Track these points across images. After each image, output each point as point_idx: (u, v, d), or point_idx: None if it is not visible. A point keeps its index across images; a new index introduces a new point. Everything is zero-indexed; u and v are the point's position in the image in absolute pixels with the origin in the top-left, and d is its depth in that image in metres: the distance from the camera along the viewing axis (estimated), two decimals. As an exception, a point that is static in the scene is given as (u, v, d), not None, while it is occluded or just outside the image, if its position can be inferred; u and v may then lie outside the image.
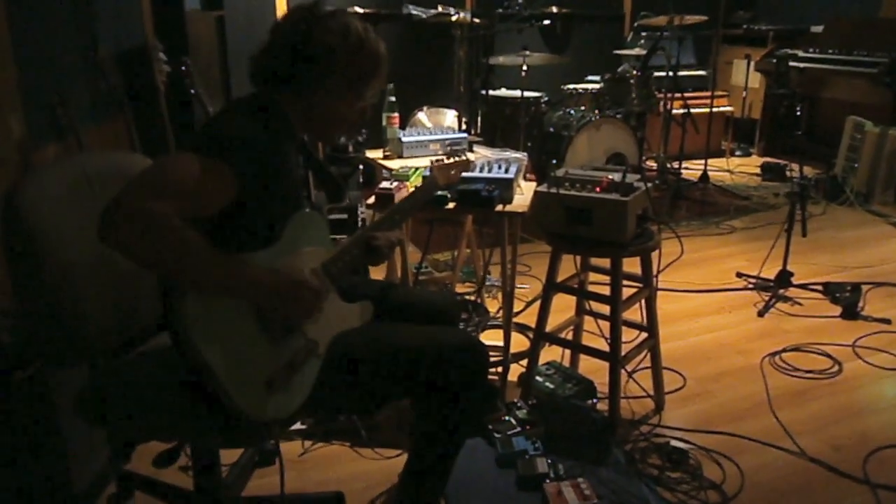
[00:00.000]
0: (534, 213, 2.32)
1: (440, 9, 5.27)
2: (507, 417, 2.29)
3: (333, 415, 2.30)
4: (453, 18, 4.69)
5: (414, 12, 5.37)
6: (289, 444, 2.31)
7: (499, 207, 2.35)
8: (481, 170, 2.43)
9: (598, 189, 2.21)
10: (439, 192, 2.34)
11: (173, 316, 1.38)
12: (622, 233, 2.16)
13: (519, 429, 2.24)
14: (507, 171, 2.42)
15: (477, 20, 4.80)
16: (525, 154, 2.61)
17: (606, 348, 2.34)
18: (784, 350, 2.95)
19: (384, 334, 1.65)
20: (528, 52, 4.52)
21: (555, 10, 5.64)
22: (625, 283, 2.34)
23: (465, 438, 1.71)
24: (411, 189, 2.43)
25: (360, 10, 5.17)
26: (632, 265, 2.40)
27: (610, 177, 2.24)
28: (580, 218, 2.20)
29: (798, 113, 4.89)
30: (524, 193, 2.50)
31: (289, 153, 1.58)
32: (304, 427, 2.35)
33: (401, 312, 1.81)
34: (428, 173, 2.15)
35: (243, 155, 1.41)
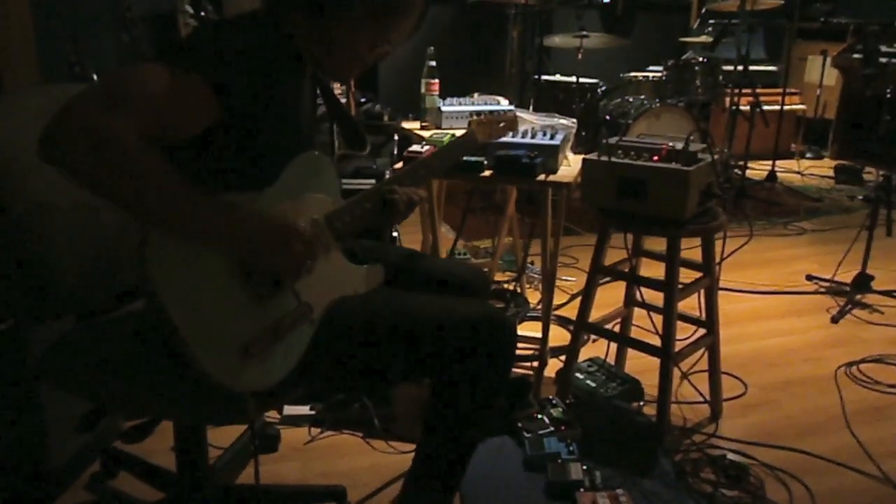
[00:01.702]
0: (582, 187, 2.05)
1: (495, -10, 5.03)
2: (539, 415, 2.03)
3: (329, 393, 2.06)
4: (508, -4, 4.45)
5: (467, -7, 5.15)
6: (295, 431, 2.09)
7: (541, 177, 2.08)
8: (524, 136, 2.16)
9: (655, 158, 1.92)
10: (474, 158, 2.09)
11: (137, 259, 1.15)
12: (681, 209, 1.87)
13: (552, 429, 1.98)
14: (552, 137, 2.15)
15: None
16: (575, 121, 2.33)
17: (658, 343, 2.05)
18: (863, 361, 2.60)
19: (392, 301, 1.40)
20: (586, 33, 4.22)
21: (615, -3, 5.36)
22: (682, 272, 2.05)
23: (484, 431, 1.47)
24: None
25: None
26: (691, 254, 2.11)
27: (670, 145, 1.95)
28: (634, 190, 1.91)
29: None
30: (571, 166, 2.23)
31: (293, 79, 1.34)
32: (312, 413, 2.12)
33: (418, 282, 1.56)
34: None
35: (228, 69, 1.18)
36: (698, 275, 2.14)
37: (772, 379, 2.50)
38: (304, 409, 2.14)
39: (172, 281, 1.13)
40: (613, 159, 1.93)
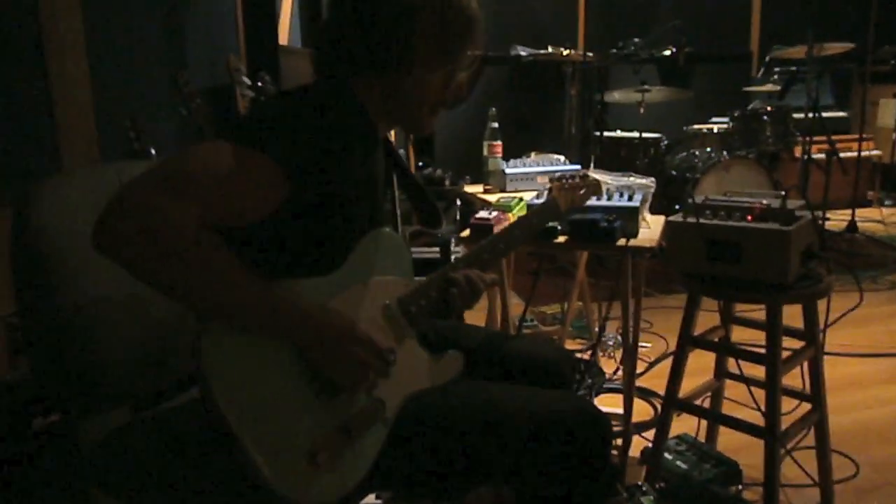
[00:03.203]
0: (667, 251, 1.88)
1: (550, 49, 4.98)
2: (630, 505, 1.83)
3: (406, 497, 1.90)
4: (565, 54, 4.37)
5: (522, 53, 5.11)
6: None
7: (621, 242, 1.93)
8: (598, 198, 2.02)
9: (749, 217, 1.75)
10: (549, 223, 1.95)
11: (194, 354, 1.04)
12: (783, 272, 1.69)
13: (646, 521, 1.77)
14: (630, 199, 2.00)
15: (590, 54, 4.45)
16: (653, 180, 2.18)
17: (754, 420, 1.84)
18: None
19: (475, 396, 1.24)
20: (647, 87, 4.10)
21: (674, 50, 5.22)
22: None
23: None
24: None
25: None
26: (787, 318, 1.91)
27: (765, 202, 1.78)
28: (726, 253, 1.74)
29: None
30: (651, 227, 2.07)
31: (366, 150, 1.22)
32: (378, 502, 1.96)
33: (500, 368, 1.41)
34: (544, 196, 1.70)
35: (297, 146, 1.07)
36: (795, 341, 1.93)
37: (886, 457, 2.24)
38: (370, 499, 1.98)
39: (229, 378, 1.01)
40: (703, 220, 1.76)
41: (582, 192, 1.61)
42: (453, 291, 1.26)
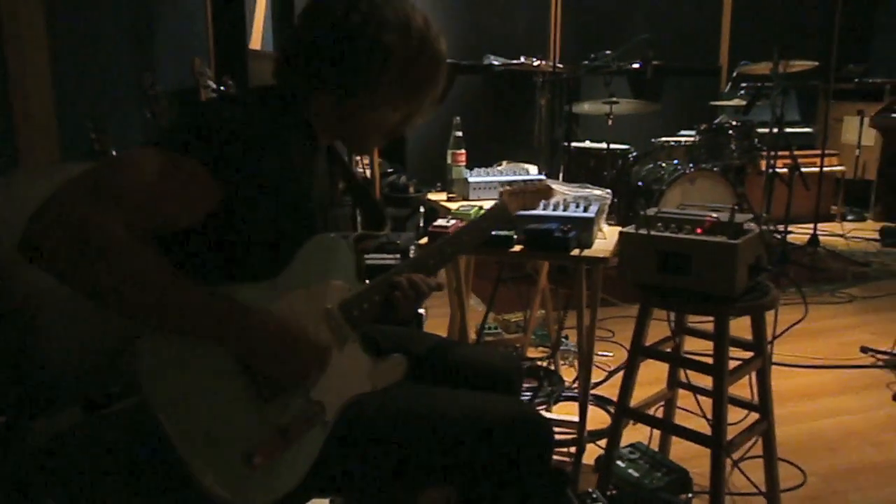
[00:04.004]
0: (619, 261, 1.91)
1: (523, 59, 5.03)
2: (579, 512, 1.85)
3: (347, 496, 1.91)
4: (535, 64, 4.41)
5: (495, 63, 5.15)
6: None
7: (575, 252, 1.96)
8: (555, 208, 2.05)
9: (699, 230, 1.79)
10: (504, 232, 1.98)
11: (128, 359, 1.05)
12: (730, 285, 1.73)
13: (594, 528, 1.80)
14: (586, 209, 2.04)
15: (560, 65, 4.50)
16: (609, 191, 2.21)
17: (705, 430, 1.87)
18: (933, 444, 2.39)
19: (416, 399, 1.26)
20: (616, 99, 4.16)
21: (642, 64, 5.29)
22: (729, 350, 1.88)
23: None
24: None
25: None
26: (738, 329, 1.95)
27: (714, 216, 1.82)
28: (676, 266, 1.77)
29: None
30: (607, 238, 2.10)
31: (302, 157, 1.24)
32: (332, 507, 1.97)
33: (447, 374, 1.43)
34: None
35: (229, 152, 1.08)
36: (745, 352, 1.98)
37: (833, 466, 2.29)
38: (324, 502, 1.98)
39: (165, 381, 1.02)
40: (654, 233, 1.80)
41: (529, 199, 1.64)
42: (397, 294, 1.28)
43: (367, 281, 1.30)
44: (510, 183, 2.42)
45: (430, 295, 1.32)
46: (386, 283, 1.29)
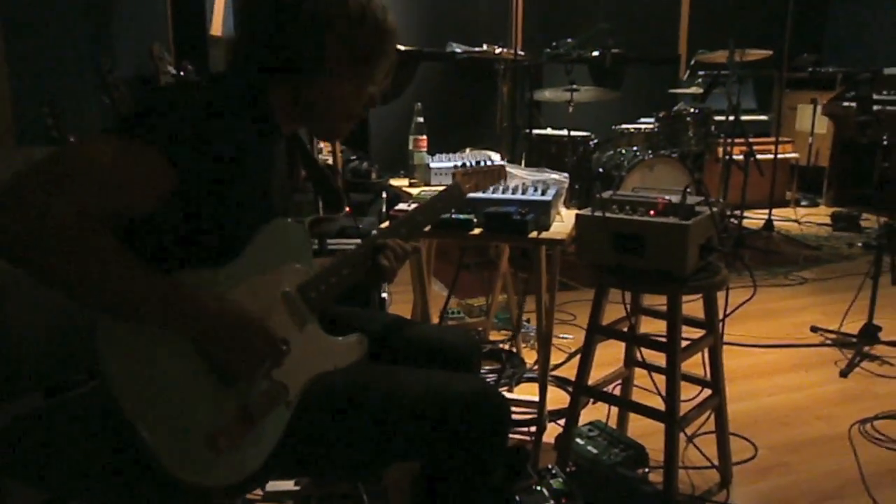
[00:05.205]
0: (576, 243, 1.96)
1: (485, 47, 5.05)
2: (538, 487, 1.89)
3: (313, 476, 1.93)
4: (497, 52, 4.44)
5: (457, 50, 5.16)
6: (278, 509, 1.96)
7: (533, 234, 2.00)
8: (514, 192, 2.09)
9: (652, 212, 1.84)
10: (463, 216, 2.01)
11: (89, 343, 1.06)
12: (681, 264, 1.79)
13: (553, 502, 1.84)
14: (543, 193, 2.08)
15: (522, 53, 4.53)
16: (567, 175, 2.26)
17: (661, 407, 1.94)
18: (876, 417, 2.48)
19: (377, 377, 1.29)
20: (576, 86, 4.21)
21: (601, 52, 5.36)
22: (684, 329, 1.95)
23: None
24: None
25: (401, 48, 4.96)
26: (692, 309, 2.02)
27: (667, 198, 1.88)
28: (630, 246, 1.83)
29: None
30: (564, 221, 2.15)
31: (260, 144, 1.24)
32: (296, 488, 1.99)
33: (406, 353, 1.46)
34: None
35: (183, 136, 1.09)
36: (701, 332, 2.05)
37: (783, 439, 2.38)
38: (289, 485, 2.01)
39: (125, 365, 1.03)
40: (608, 214, 1.85)
41: (482, 180, 1.67)
42: (387, 254, 1.33)
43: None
44: (462, 164, 2.46)
45: (407, 259, 1.38)
46: (362, 255, 1.33)
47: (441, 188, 2.47)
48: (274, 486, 2.01)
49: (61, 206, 0.96)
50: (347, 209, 1.46)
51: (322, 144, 3.09)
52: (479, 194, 1.83)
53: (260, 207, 1.24)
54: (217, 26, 3.84)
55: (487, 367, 2.80)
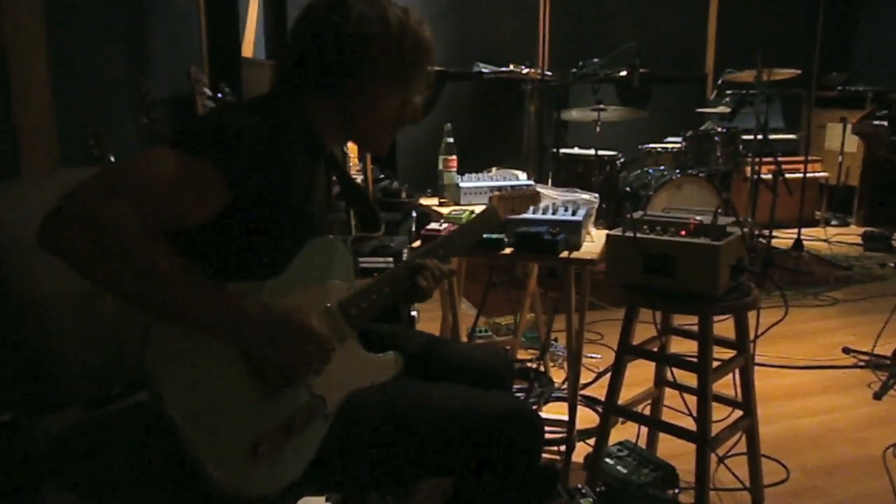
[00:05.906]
0: (606, 263, 1.97)
1: (511, 67, 5.10)
2: (569, 507, 1.90)
3: (346, 491, 1.95)
4: (524, 72, 4.48)
5: (484, 70, 5.22)
6: (310, 524, 1.97)
7: (564, 254, 2.02)
8: (545, 212, 2.11)
9: (683, 233, 1.85)
10: (494, 235, 2.04)
11: (139, 351, 1.09)
12: (713, 285, 1.79)
13: (583, 522, 1.85)
14: (574, 213, 2.10)
15: (548, 73, 4.57)
16: (597, 196, 2.28)
17: (691, 427, 1.93)
18: (911, 441, 2.45)
19: (413, 394, 1.32)
20: (603, 106, 4.23)
21: (628, 71, 5.37)
22: (714, 349, 1.95)
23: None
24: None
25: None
26: (722, 329, 2.02)
27: (698, 219, 1.88)
28: (661, 267, 1.84)
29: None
30: (595, 241, 2.16)
31: (306, 163, 1.29)
32: (327, 503, 2.01)
33: (440, 371, 1.48)
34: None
35: (238, 154, 1.13)
36: (731, 352, 2.04)
37: (815, 462, 2.35)
38: (320, 500, 2.03)
39: (175, 376, 1.07)
40: (639, 235, 1.86)
41: (517, 204, 1.70)
42: (426, 275, 1.37)
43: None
44: (500, 188, 2.49)
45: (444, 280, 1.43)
46: (403, 274, 1.37)
47: (469, 207, 2.53)
48: (305, 500, 2.03)
49: (121, 212, 1.01)
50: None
51: (351, 163, 3.14)
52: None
53: (304, 224, 1.28)
54: (248, 48, 3.92)
55: (516, 386, 2.80)
